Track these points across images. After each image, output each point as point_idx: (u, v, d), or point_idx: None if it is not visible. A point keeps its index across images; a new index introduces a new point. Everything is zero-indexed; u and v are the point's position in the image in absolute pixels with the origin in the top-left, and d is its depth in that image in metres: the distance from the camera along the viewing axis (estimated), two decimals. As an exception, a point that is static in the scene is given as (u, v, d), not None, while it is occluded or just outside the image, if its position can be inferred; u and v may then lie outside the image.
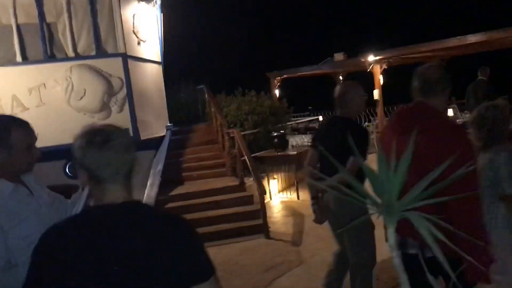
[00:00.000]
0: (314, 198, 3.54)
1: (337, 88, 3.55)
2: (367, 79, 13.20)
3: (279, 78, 13.96)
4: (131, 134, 7.01)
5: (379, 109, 11.80)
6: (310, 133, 11.00)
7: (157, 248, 1.35)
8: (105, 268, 1.32)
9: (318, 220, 3.69)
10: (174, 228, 1.44)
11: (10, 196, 1.93)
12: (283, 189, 9.39)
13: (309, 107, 16.81)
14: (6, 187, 1.94)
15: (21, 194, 1.99)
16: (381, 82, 11.60)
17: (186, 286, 1.38)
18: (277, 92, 13.59)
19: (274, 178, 9.18)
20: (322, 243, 6.19)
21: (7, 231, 1.84)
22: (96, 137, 1.38)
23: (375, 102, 12.00)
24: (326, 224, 7.02)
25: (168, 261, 1.35)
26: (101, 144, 1.37)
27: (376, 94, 11.62)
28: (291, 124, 11.46)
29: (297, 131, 12.28)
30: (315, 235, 6.58)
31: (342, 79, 15.32)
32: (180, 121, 11.58)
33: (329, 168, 2.04)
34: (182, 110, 12.34)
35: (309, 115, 16.70)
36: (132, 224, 1.39)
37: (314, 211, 3.65)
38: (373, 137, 12.50)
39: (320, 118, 15.36)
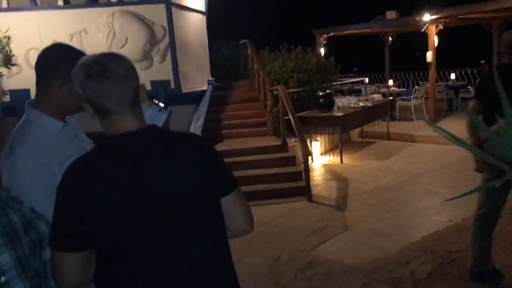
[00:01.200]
0: (477, 146, 3.33)
1: (506, 35, 3.41)
2: (420, 40, 12.44)
3: (325, 35, 13.30)
4: (173, 86, 6.75)
5: (431, 73, 11.09)
6: (350, 96, 10.49)
7: (185, 166, 1.40)
8: (139, 194, 1.33)
9: (481, 168, 3.53)
10: (197, 145, 1.49)
11: (58, 136, 1.77)
12: (325, 152, 9.03)
13: (354, 69, 16.14)
14: (55, 126, 1.77)
15: (68, 135, 1.83)
16: (436, 43, 10.84)
17: (215, 200, 1.46)
18: (322, 50, 12.99)
19: (316, 140, 8.82)
20: (368, 210, 5.87)
21: (56, 174, 1.63)
22: (93, 69, 1.34)
23: (427, 64, 11.29)
24: (372, 189, 6.76)
25: (198, 176, 1.41)
26: (99, 76, 1.34)
27: (429, 56, 10.88)
28: (336, 84, 10.91)
29: (340, 93, 11.76)
30: (360, 201, 6.26)
31: (392, 40, 14.51)
32: (221, 76, 11.24)
33: (492, 119, 1.91)
34: (223, 65, 11.97)
35: (353, 77, 16.06)
36: (155, 148, 1.40)
37: (476, 161, 3.53)
38: (421, 102, 11.87)
39: (366, 80, 14.73)
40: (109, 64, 1.36)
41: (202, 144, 1.52)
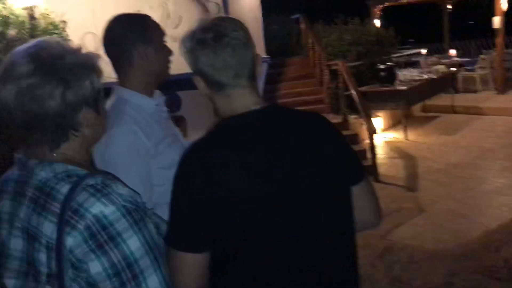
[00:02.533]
0: None
1: None
2: (483, 6, 11.61)
3: (380, 6, 12.66)
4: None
5: (499, 39, 10.31)
6: (412, 68, 9.92)
7: (320, 150, 1.21)
8: (273, 184, 1.14)
9: None
10: (327, 126, 1.29)
11: (152, 116, 1.59)
12: (387, 128, 8.59)
13: (410, 40, 15.36)
14: (149, 105, 1.60)
15: (161, 115, 1.66)
16: (504, 8, 10.03)
17: (347, 189, 1.26)
18: (377, 22, 12.39)
19: (378, 116, 8.38)
20: (443, 189, 5.48)
21: (152, 156, 1.51)
22: (208, 34, 1.13)
23: (493, 31, 10.51)
24: (444, 167, 6.32)
25: (332, 161, 1.21)
26: (215, 42, 1.13)
27: (496, 22, 10.10)
28: (395, 57, 10.35)
29: (397, 65, 11.18)
30: (432, 180, 5.86)
31: (451, 8, 13.65)
32: (272, 54, 10.89)
33: None
34: (274, 42, 11.60)
35: (409, 49, 15.29)
36: (286, 129, 1.20)
37: None
38: (487, 72, 11.10)
39: (423, 51, 13.97)
40: (226, 29, 1.15)
41: (331, 125, 1.31)
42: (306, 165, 1.18)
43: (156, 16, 5.89)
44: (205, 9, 6.46)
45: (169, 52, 1.63)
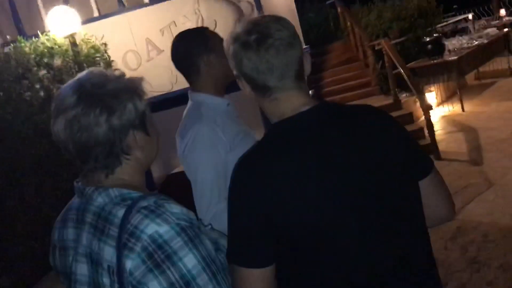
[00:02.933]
0: None
1: None
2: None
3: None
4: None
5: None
6: (460, 36, 9.43)
7: (380, 146, 1.12)
8: (332, 191, 1.06)
9: None
10: (385, 119, 1.20)
11: (226, 113, 1.80)
12: (442, 102, 8.23)
13: (454, 6, 14.63)
14: (222, 103, 1.83)
15: (233, 114, 1.86)
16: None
17: (415, 184, 1.19)
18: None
19: (430, 91, 8.03)
20: (510, 160, 5.15)
21: (228, 151, 1.69)
22: (251, 36, 1.09)
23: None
24: (508, 136, 5.96)
25: (396, 157, 1.13)
26: (259, 45, 1.09)
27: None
28: (441, 26, 9.87)
29: (443, 35, 10.67)
30: (497, 150, 5.54)
31: (494, -35, 12.89)
32: (311, 42, 10.69)
33: None
34: (312, 30, 11.39)
35: (454, 16, 14.59)
36: (341, 128, 1.12)
37: None
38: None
39: (470, 16, 13.28)
40: (269, 29, 1.10)
41: (389, 117, 1.23)
42: (364, 166, 1.10)
43: (191, 24, 5.92)
44: (238, 9, 6.43)
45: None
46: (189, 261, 1.00)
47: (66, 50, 5.28)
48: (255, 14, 6.42)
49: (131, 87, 1.13)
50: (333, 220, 1.07)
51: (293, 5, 8.08)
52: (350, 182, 1.08)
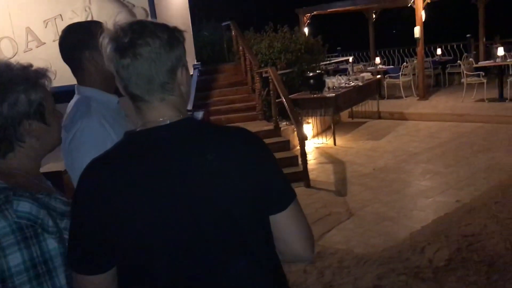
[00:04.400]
0: None
1: None
2: (405, 16, 12.20)
3: (308, 15, 12.97)
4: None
5: (419, 49, 10.86)
6: (340, 75, 10.22)
7: (227, 171, 1.08)
8: (167, 205, 1.05)
9: None
10: (244, 143, 1.16)
11: (115, 111, 1.74)
12: (317, 134, 8.77)
13: (338, 48, 15.84)
14: (112, 100, 1.77)
15: (122, 113, 1.80)
16: (423, 18, 10.59)
17: (260, 216, 1.13)
18: (306, 30, 12.66)
19: (308, 123, 8.53)
20: (370, 193, 5.64)
21: None
22: (122, 39, 1.06)
23: (412, 40, 11.08)
24: (371, 171, 6.53)
25: (244, 184, 1.09)
26: (122, 52, 1.05)
27: (417, 31, 10.62)
28: (324, 64, 10.59)
29: (326, 73, 11.48)
30: (360, 184, 6.03)
31: (375, 17, 14.25)
32: (204, 60, 10.80)
33: None
34: (205, 49, 11.52)
35: (337, 56, 15.77)
36: (190, 145, 1.10)
37: None
38: (410, 79, 11.66)
39: (350, 59, 14.46)
40: (141, 36, 1.06)
41: (252, 142, 1.18)
42: (209, 189, 1.08)
43: (79, 20, 5.60)
44: (132, 14, 6.28)
45: None
46: (13, 259, 1.07)
47: None
48: (112, 23, 6.32)
49: (28, 79, 1.18)
50: (152, 239, 1.07)
51: (189, 20, 8.13)
52: (180, 205, 1.06)
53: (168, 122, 1.11)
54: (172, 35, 1.11)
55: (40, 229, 1.12)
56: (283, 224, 1.16)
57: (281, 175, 1.20)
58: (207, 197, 1.08)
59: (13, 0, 6.08)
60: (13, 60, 1.37)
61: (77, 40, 1.72)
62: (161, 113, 1.12)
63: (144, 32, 1.07)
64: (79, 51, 1.71)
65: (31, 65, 1.23)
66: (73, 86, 1.78)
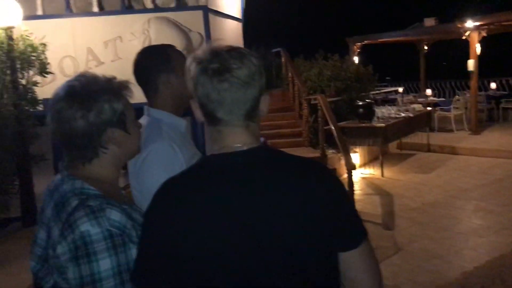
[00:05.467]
0: None
1: None
2: (459, 48, 11.98)
3: (359, 44, 12.95)
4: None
5: (473, 82, 10.59)
6: (389, 105, 10.09)
7: (300, 206, 1.07)
8: (233, 237, 1.05)
9: None
10: (320, 177, 1.14)
11: (183, 134, 1.77)
12: (364, 164, 8.63)
13: (387, 78, 15.69)
14: (181, 124, 1.80)
15: (188, 135, 1.85)
16: (478, 51, 10.35)
17: (328, 254, 1.11)
18: (356, 59, 12.64)
19: (355, 152, 8.42)
20: (419, 228, 5.46)
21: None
22: (211, 64, 1.08)
23: (465, 73, 10.82)
24: (420, 205, 6.35)
25: (316, 220, 1.07)
26: (215, 75, 1.08)
27: (471, 65, 10.39)
28: (373, 94, 10.50)
29: (374, 101, 11.38)
30: (408, 218, 5.85)
31: (427, 48, 14.05)
32: (252, 86, 10.91)
33: None
34: (254, 74, 11.63)
35: (386, 86, 15.61)
36: (264, 175, 1.10)
37: None
38: (461, 112, 11.35)
39: (400, 89, 14.27)
40: (230, 63, 1.08)
41: (327, 177, 1.16)
42: (282, 222, 1.06)
43: (137, 43, 5.84)
44: (187, 38, 6.46)
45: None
46: (104, 264, 1.14)
47: (2, 43, 5.00)
48: (204, 46, 6.48)
49: (112, 90, 1.27)
50: (215, 266, 1.06)
51: (241, 45, 8.27)
52: (247, 234, 1.05)
53: (245, 148, 1.12)
54: (262, 63, 1.14)
55: (127, 239, 1.18)
56: (353, 262, 1.14)
57: (354, 213, 1.18)
58: (275, 230, 1.06)
59: (78, 21, 6.39)
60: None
61: (154, 63, 1.74)
62: (240, 138, 1.13)
63: (243, 58, 1.09)
64: (155, 74, 1.74)
65: (114, 78, 1.32)
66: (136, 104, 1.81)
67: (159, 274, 1.09)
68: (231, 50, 1.11)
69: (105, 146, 1.28)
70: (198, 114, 1.16)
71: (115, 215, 1.18)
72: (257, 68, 1.11)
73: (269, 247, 1.05)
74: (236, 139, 1.13)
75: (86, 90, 1.24)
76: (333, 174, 1.19)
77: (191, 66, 1.12)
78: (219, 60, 1.08)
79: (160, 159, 1.61)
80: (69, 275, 1.15)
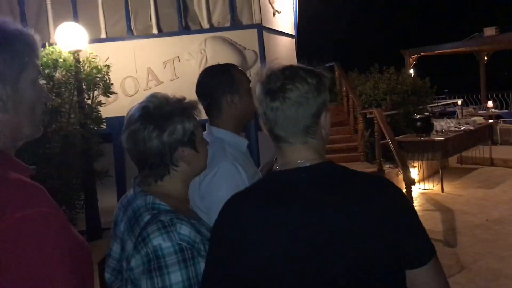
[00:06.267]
0: None
1: None
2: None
3: (414, 56, 12.68)
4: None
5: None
6: (448, 118, 9.77)
7: (366, 224, 1.06)
8: (295, 253, 1.06)
9: None
10: (386, 195, 1.12)
11: (244, 154, 1.82)
12: (423, 179, 8.38)
13: (445, 90, 15.24)
14: (243, 143, 1.85)
15: (248, 153, 1.89)
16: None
17: (394, 273, 1.09)
18: (412, 71, 12.38)
19: (413, 166, 8.19)
20: (483, 246, 5.22)
21: None
22: (269, 84, 1.13)
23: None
24: (484, 222, 6.08)
25: (383, 238, 1.05)
26: (269, 94, 1.13)
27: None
28: (431, 107, 10.23)
29: (432, 114, 11.06)
30: (472, 235, 5.61)
31: (487, 59, 13.55)
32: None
33: None
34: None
35: (444, 99, 15.15)
36: (328, 192, 1.10)
37: None
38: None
39: (459, 102, 13.80)
40: (286, 83, 1.12)
41: (394, 196, 1.14)
42: (347, 238, 1.06)
43: (195, 62, 6.02)
44: (242, 56, 6.59)
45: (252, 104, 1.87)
46: (175, 277, 1.17)
47: (70, 65, 5.31)
48: (258, 63, 6.58)
49: (184, 111, 1.33)
50: (278, 285, 1.07)
51: (295, 61, 8.31)
52: (312, 254, 1.06)
53: (308, 164, 1.14)
54: (320, 80, 1.15)
55: (196, 253, 1.21)
56: (421, 280, 1.11)
57: (421, 229, 1.14)
58: (340, 251, 1.06)
59: (138, 43, 6.68)
60: (133, 98, 1.52)
61: (218, 82, 1.79)
62: (302, 155, 1.15)
63: (295, 77, 1.12)
64: (220, 93, 1.78)
65: (184, 98, 1.38)
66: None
67: (224, 282, 1.12)
68: (286, 69, 1.14)
69: (176, 164, 1.33)
70: (265, 132, 1.20)
71: (184, 230, 1.22)
72: (313, 87, 1.13)
73: (334, 264, 1.06)
74: (297, 155, 1.15)
75: (160, 111, 1.31)
76: (399, 189, 1.17)
77: (255, 85, 1.18)
78: (274, 80, 1.12)
79: (227, 177, 1.65)
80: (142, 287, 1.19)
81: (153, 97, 1.36)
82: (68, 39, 5.32)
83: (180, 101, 1.36)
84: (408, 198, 1.17)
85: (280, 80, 1.12)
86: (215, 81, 1.81)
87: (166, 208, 1.28)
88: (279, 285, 1.08)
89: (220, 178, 1.65)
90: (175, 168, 1.34)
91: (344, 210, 1.08)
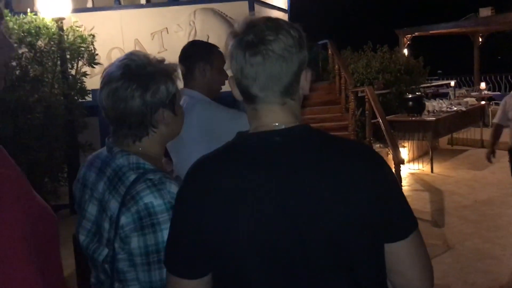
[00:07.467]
0: None
1: None
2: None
3: (409, 36, 12.54)
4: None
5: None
6: (440, 99, 9.71)
7: (344, 192, 0.97)
8: (269, 220, 0.97)
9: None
10: (367, 162, 1.02)
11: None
12: (413, 159, 8.35)
13: (439, 71, 15.15)
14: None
15: None
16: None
17: (373, 244, 1.01)
18: (406, 51, 12.25)
19: (403, 146, 8.13)
20: (471, 227, 5.20)
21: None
22: (245, 36, 1.00)
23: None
24: (472, 203, 6.06)
25: (362, 208, 0.97)
26: (248, 48, 0.99)
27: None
28: (424, 87, 10.15)
29: (425, 95, 11.00)
30: (459, 216, 5.59)
31: (482, 40, 13.44)
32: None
33: None
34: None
35: (437, 80, 15.08)
36: (304, 157, 1.00)
37: None
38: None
39: (452, 83, 13.74)
40: (265, 35, 0.98)
41: (375, 162, 1.05)
42: (322, 204, 0.97)
43: (183, 34, 5.90)
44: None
45: (225, 76, 2.06)
46: (167, 234, 1.14)
47: (53, 34, 5.13)
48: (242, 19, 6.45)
49: (165, 72, 1.32)
50: (251, 250, 0.99)
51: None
52: (285, 218, 0.97)
53: (283, 127, 1.03)
54: (301, 35, 1.03)
55: None
56: (402, 254, 1.03)
57: (403, 201, 1.06)
58: (316, 215, 0.97)
59: (126, 13, 6.49)
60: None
61: (196, 53, 2.07)
62: (278, 117, 1.04)
63: (279, 29, 1.00)
64: (194, 60, 2.04)
65: (164, 60, 1.36)
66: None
67: (192, 257, 1.04)
68: (268, 21, 1.02)
69: (155, 126, 1.33)
70: (236, 92, 1.07)
71: (174, 189, 1.22)
72: (296, 40, 1.01)
73: (310, 232, 0.97)
74: (273, 117, 1.04)
75: (143, 70, 1.29)
76: (383, 159, 1.08)
77: (228, 40, 1.04)
78: (254, 32, 0.99)
79: (220, 111, 1.97)
80: (132, 245, 1.20)
81: (134, 55, 1.32)
82: (51, 6, 5.14)
83: (161, 62, 1.35)
84: (394, 172, 1.06)
85: (263, 32, 0.99)
86: (195, 48, 2.09)
87: (151, 168, 1.29)
88: (247, 259, 0.99)
89: (215, 111, 1.98)
90: (154, 130, 1.34)
91: (322, 177, 0.98)
